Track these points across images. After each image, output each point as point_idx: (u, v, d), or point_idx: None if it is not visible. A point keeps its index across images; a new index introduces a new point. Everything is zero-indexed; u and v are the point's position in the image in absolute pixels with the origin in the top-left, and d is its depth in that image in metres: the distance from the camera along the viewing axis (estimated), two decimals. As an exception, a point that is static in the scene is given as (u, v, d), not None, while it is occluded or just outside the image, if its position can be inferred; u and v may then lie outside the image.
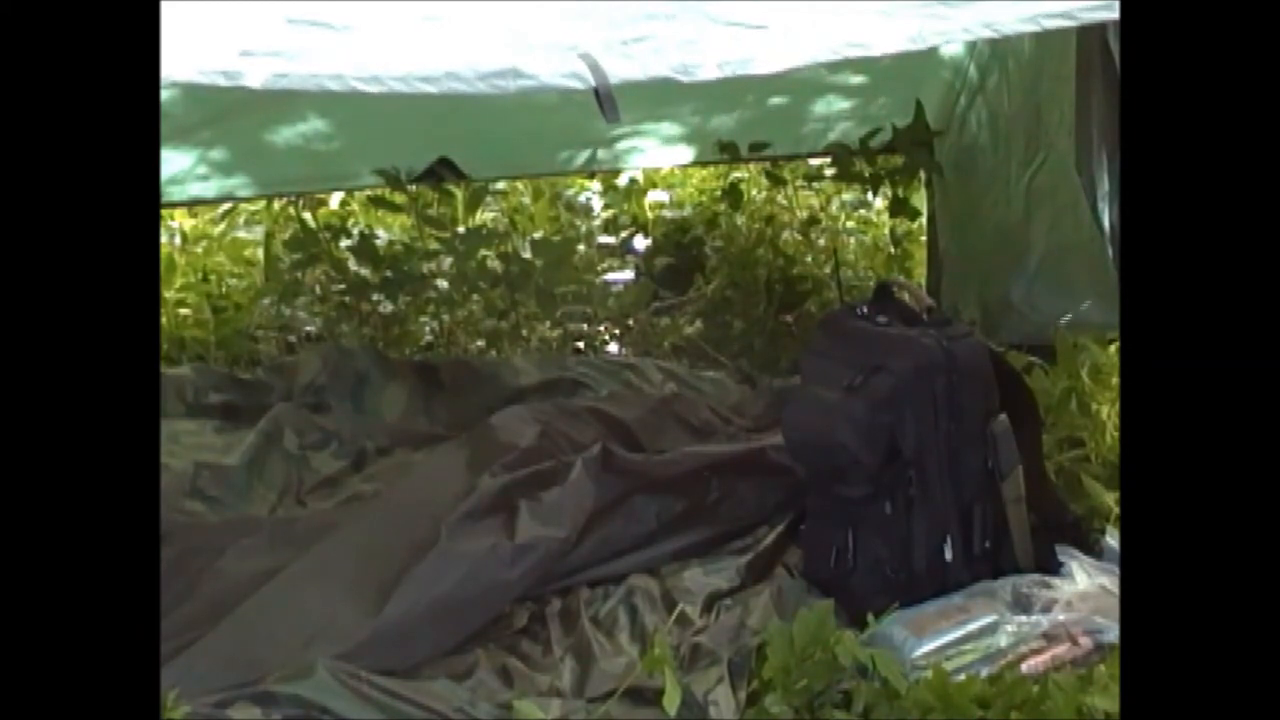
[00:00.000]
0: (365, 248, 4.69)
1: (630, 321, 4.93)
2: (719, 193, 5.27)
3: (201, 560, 3.05)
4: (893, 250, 5.01)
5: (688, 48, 2.47)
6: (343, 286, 4.72)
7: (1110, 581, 2.92)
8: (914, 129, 4.56)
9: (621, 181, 5.47)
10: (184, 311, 4.73)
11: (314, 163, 4.47)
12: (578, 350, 4.71)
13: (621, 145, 4.74)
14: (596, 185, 5.55)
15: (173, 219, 4.98)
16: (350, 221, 4.98)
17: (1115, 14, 2.53)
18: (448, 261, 4.73)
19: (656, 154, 4.84)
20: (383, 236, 4.94)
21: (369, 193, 4.79)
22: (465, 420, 3.78)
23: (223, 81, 2.24)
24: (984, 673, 2.68)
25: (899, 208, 4.80)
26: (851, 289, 4.89)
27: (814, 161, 4.90)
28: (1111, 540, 3.04)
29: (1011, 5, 2.66)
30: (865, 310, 3.12)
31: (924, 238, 4.88)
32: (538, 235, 5.07)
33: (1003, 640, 2.78)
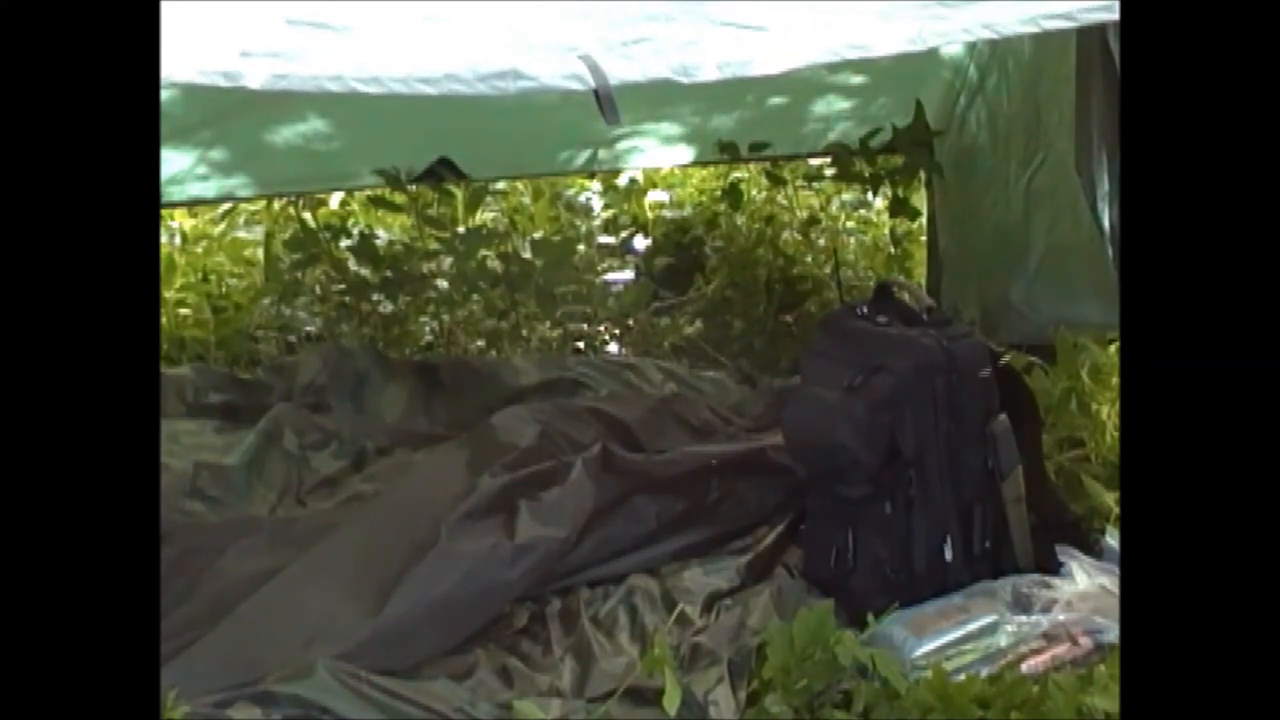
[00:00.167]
0: (365, 248, 4.69)
1: (630, 321, 4.93)
2: (719, 193, 5.27)
3: (201, 560, 3.04)
4: (893, 250, 5.01)
5: (688, 49, 2.47)
6: (343, 286, 4.72)
7: (1110, 581, 2.92)
8: (914, 129, 4.56)
9: (621, 181, 5.47)
10: (184, 311, 4.73)
11: (314, 163, 4.47)
12: (578, 350, 4.71)
13: (621, 145, 4.74)
14: (596, 185, 5.55)
15: (173, 219, 4.98)
16: (350, 221, 4.98)
17: (1115, 14, 2.54)
18: (448, 261, 4.73)
19: (656, 154, 4.84)
20: (383, 236, 4.94)
21: (369, 193, 4.80)
22: (465, 420, 3.78)
23: (223, 82, 2.24)
24: (984, 673, 2.68)
25: (899, 208, 4.80)
26: (851, 289, 4.89)
27: (814, 161, 4.91)
28: (1111, 540, 3.04)
29: (1011, 6, 2.66)
30: (865, 310, 3.12)
31: (924, 238, 4.88)
32: (538, 235, 5.07)
33: (1003, 640, 2.78)
